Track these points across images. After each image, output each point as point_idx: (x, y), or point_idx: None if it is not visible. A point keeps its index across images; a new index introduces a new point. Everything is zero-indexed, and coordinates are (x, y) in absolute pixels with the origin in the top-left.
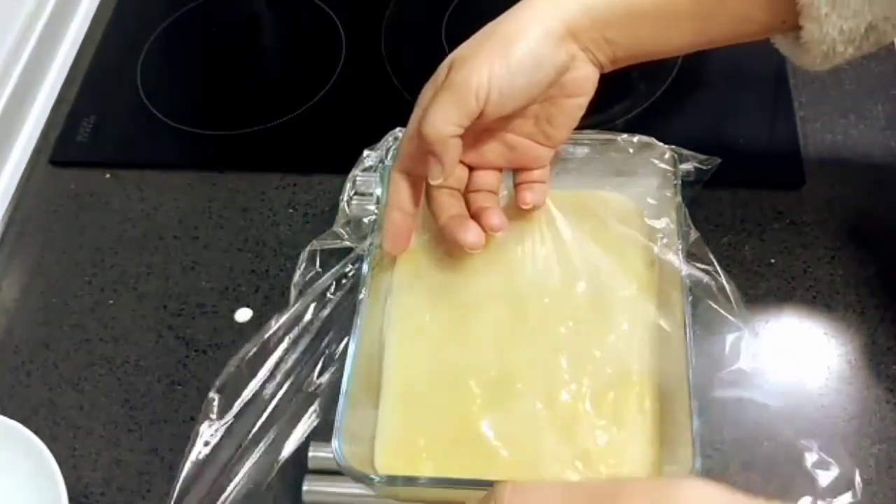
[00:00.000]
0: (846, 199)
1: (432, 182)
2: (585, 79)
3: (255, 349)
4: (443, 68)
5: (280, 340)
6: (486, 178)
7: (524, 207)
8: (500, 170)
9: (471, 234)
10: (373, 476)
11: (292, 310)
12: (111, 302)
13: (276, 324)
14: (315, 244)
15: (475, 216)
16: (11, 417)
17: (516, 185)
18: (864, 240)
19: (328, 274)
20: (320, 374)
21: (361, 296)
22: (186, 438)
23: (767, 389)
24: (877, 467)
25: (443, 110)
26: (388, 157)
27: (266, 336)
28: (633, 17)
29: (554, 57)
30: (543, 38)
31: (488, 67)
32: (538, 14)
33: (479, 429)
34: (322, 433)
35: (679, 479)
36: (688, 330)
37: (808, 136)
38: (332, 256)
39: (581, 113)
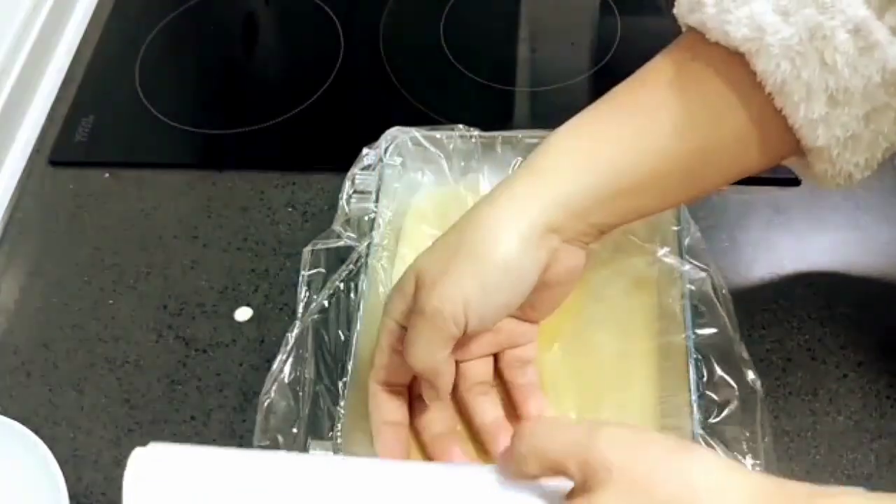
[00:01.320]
0: (845, 195)
1: (428, 402)
2: (572, 267)
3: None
4: (408, 280)
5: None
6: (475, 368)
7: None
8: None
9: (454, 458)
10: None
11: (299, 323)
12: (111, 302)
13: (293, 338)
14: (315, 244)
15: (470, 420)
16: (12, 417)
17: (507, 381)
18: (863, 236)
19: (334, 275)
20: (320, 372)
21: (362, 292)
22: (187, 438)
23: (767, 387)
24: (877, 463)
25: (425, 342)
26: (387, 155)
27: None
28: (617, 196)
29: (533, 263)
30: (519, 246)
31: (461, 293)
32: (507, 218)
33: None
34: (322, 431)
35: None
36: (688, 331)
37: None
38: (333, 255)
39: (567, 294)
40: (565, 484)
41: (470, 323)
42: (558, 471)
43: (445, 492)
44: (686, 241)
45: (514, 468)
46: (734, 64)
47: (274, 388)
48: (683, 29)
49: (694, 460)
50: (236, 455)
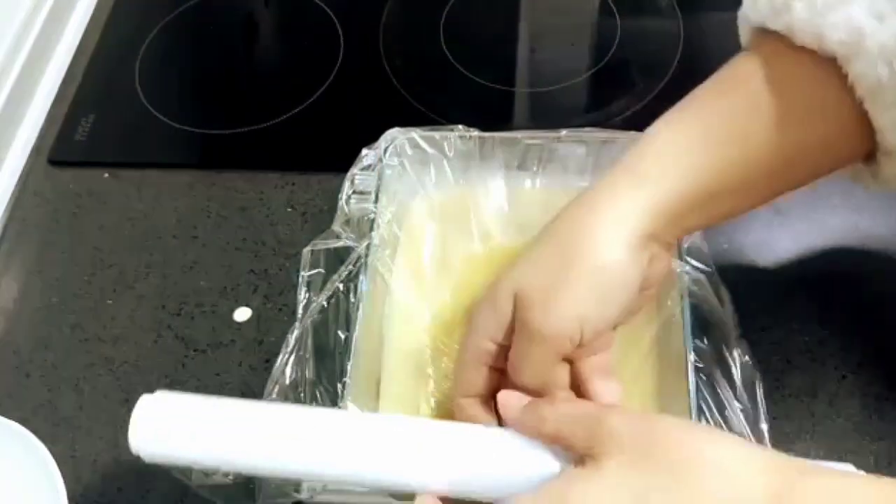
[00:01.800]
0: (844, 196)
1: None
2: (661, 270)
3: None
4: (504, 298)
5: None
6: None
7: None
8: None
9: None
10: None
11: (300, 321)
12: (110, 302)
13: (293, 339)
14: (315, 244)
15: None
16: (11, 418)
17: (588, 392)
18: (862, 237)
19: (333, 275)
20: (319, 373)
21: (361, 293)
22: None
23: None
24: (877, 464)
25: (538, 361)
26: (387, 156)
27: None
28: (710, 201)
29: (638, 271)
30: (628, 256)
31: (576, 310)
32: (613, 229)
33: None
34: None
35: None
36: (686, 331)
37: None
38: (333, 256)
39: (652, 298)
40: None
41: (584, 338)
42: (569, 438)
43: (456, 447)
44: (686, 244)
45: (534, 425)
46: (822, 67)
47: (276, 390)
48: (745, 33)
49: (700, 432)
50: (241, 403)
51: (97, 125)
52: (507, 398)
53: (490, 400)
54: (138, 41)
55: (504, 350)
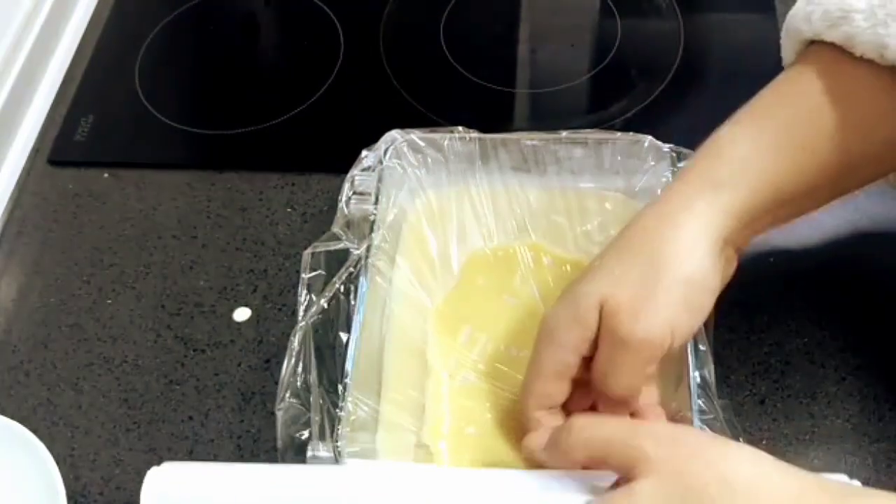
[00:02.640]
0: (843, 199)
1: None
2: (732, 270)
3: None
4: (588, 310)
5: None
6: None
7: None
8: None
9: None
10: None
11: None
12: (109, 301)
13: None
14: (315, 246)
15: None
16: (10, 417)
17: None
18: (862, 237)
19: (334, 277)
20: (320, 375)
21: (361, 294)
22: (185, 438)
23: (766, 390)
24: (875, 467)
25: (629, 370)
26: (387, 157)
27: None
28: (779, 206)
29: (720, 276)
30: (711, 263)
31: (668, 319)
32: (696, 237)
33: (480, 421)
34: (322, 435)
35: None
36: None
37: None
38: (333, 257)
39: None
40: (608, 478)
41: (674, 345)
42: (601, 462)
43: (488, 496)
44: None
45: (561, 457)
46: (883, 76)
47: (288, 394)
48: (791, 46)
49: (731, 453)
50: (249, 470)
51: (97, 125)
52: (528, 442)
53: (561, 410)
54: (138, 41)
55: (585, 362)
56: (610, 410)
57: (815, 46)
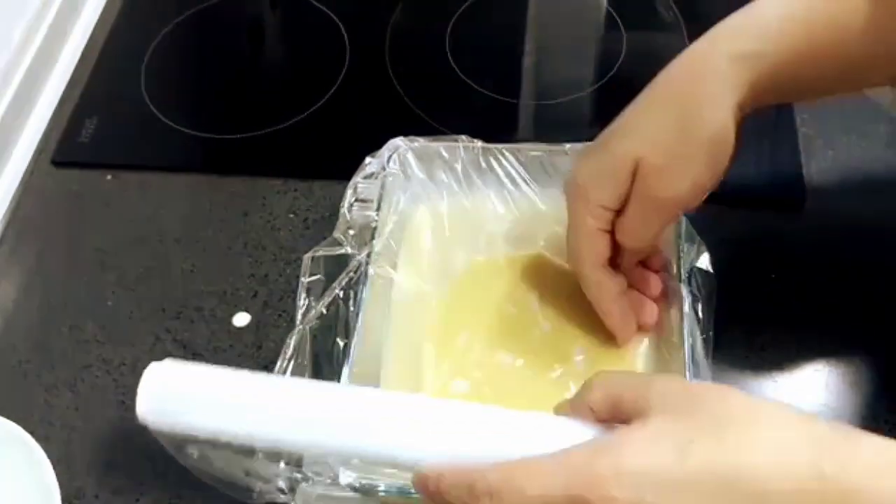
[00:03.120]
0: (847, 217)
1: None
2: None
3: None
4: (624, 167)
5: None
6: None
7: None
8: None
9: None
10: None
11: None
12: (110, 303)
13: (292, 344)
14: (316, 251)
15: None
16: (6, 417)
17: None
18: (864, 258)
19: (334, 282)
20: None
21: (361, 300)
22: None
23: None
24: None
25: (651, 224)
26: (390, 165)
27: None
28: (802, 68)
29: (734, 138)
30: (732, 127)
31: (692, 178)
32: (724, 99)
33: None
34: None
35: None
36: (686, 341)
37: (810, 153)
38: (334, 263)
39: None
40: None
41: (692, 204)
42: (616, 404)
43: (498, 431)
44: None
45: (579, 399)
46: None
47: None
48: None
49: (749, 396)
50: (249, 375)
51: (101, 127)
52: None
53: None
54: (144, 45)
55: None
56: (627, 261)
57: None
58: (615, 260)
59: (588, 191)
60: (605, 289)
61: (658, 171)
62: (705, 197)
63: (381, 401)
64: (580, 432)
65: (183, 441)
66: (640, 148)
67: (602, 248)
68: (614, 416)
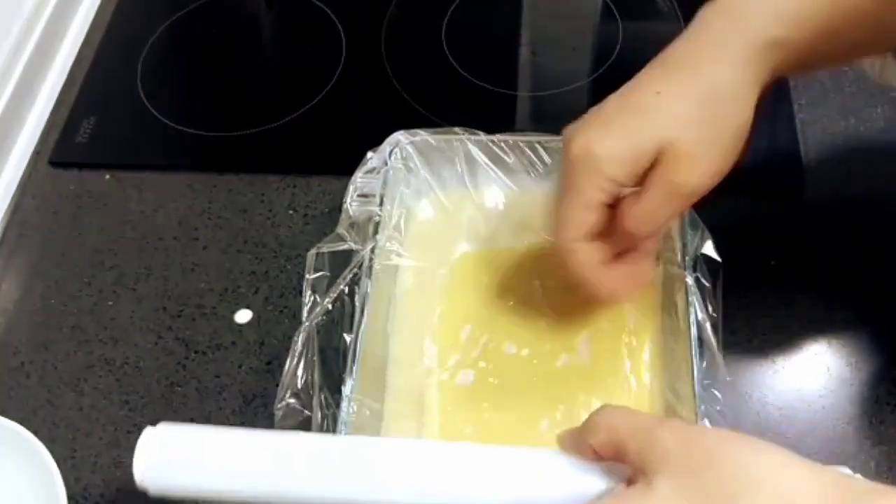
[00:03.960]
0: (846, 201)
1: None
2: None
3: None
4: (649, 147)
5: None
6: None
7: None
8: None
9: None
10: None
11: (305, 324)
12: (110, 303)
13: (300, 342)
14: (319, 247)
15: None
16: (10, 418)
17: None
18: (864, 243)
19: (338, 278)
20: (323, 377)
21: (365, 295)
22: None
23: (768, 391)
24: (877, 469)
25: (667, 211)
26: (392, 159)
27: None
28: (815, 47)
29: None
30: (752, 113)
31: (718, 171)
32: (748, 85)
33: (479, 420)
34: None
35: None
36: (692, 327)
37: (808, 138)
38: (337, 259)
39: None
40: (623, 470)
41: (706, 192)
42: (620, 451)
43: (506, 473)
44: (694, 249)
45: (582, 439)
46: None
47: (287, 394)
48: None
49: (749, 448)
50: (244, 434)
51: (99, 127)
52: (560, 440)
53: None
54: (140, 43)
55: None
56: (622, 241)
57: None
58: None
59: (603, 163)
60: (586, 258)
61: (688, 158)
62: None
63: (381, 450)
64: (584, 476)
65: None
66: (669, 132)
67: (597, 221)
68: (617, 458)
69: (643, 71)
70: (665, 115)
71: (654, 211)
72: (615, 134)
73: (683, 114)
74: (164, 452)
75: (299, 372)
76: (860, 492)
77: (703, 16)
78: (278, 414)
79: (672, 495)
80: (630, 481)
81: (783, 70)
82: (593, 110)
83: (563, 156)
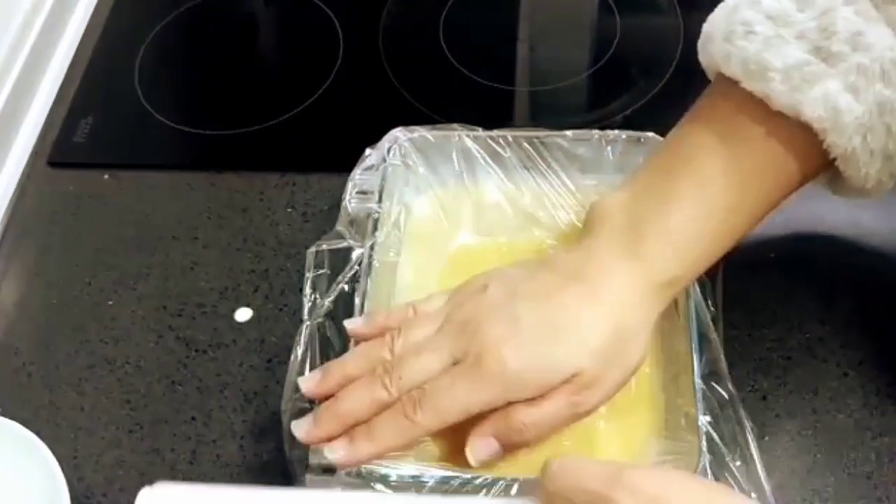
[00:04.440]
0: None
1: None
2: None
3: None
4: (563, 375)
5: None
6: None
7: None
8: None
9: None
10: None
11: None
12: (111, 303)
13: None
14: (319, 245)
15: None
16: (12, 419)
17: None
18: (863, 233)
19: (338, 276)
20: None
21: (365, 293)
22: (188, 439)
23: (768, 385)
24: (877, 461)
25: (554, 421)
26: (390, 156)
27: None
28: (699, 261)
29: None
30: (649, 341)
31: (613, 394)
32: (643, 316)
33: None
34: None
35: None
36: (692, 325)
37: None
38: (337, 256)
39: None
40: None
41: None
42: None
43: None
44: None
45: (540, 481)
46: (795, 127)
47: (295, 397)
48: (708, 61)
49: (722, 499)
50: (242, 493)
51: (97, 127)
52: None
53: None
54: (138, 42)
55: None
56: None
57: (729, 83)
58: None
59: (516, 384)
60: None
61: (595, 385)
62: None
63: None
64: None
65: None
66: (581, 362)
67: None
68: None
69: (557, 279)
70: (580, 346)
71: (549, 419)
72: (535, 363)
73: (595, 346)
74: None
75: (306, 369)
76: None
77: (609, 238)
78: (285, 415)
79: None
80: None
81: (680, 281)
82: (506, 313)
83: (478, 362)
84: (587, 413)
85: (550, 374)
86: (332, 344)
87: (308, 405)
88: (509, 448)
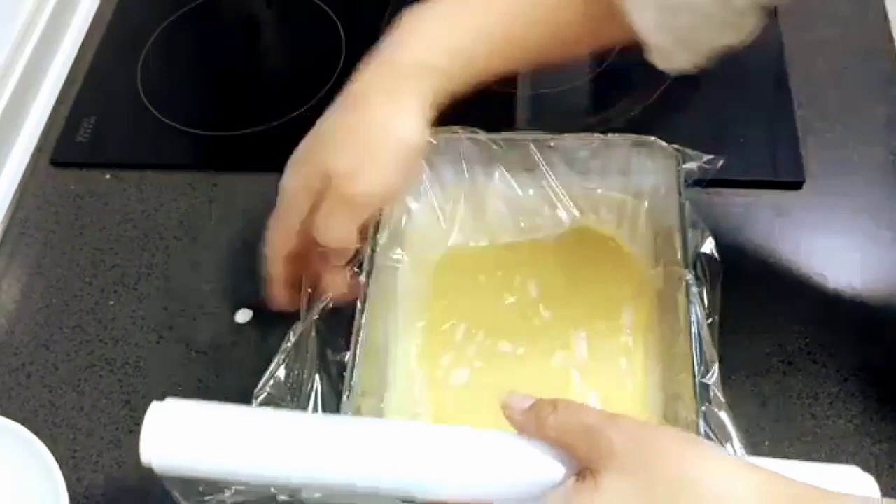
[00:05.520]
0: (845, 198)
1: (335, 264)
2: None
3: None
4: (315, 177)
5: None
6: None
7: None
8: None
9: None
10: None
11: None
12: (111, 303)
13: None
14: None
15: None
16: (12, 419)
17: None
18: (864, 238)
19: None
20: (321, 373)
21: (367, 292)
22: None
23: (768, 390)
24: (877, 467)
25: (342, 225)
26: None
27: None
28: (478, 70)
29: (425, 139)
30: (422, 129)
31: (382, 183)
32: (412, 112)
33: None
34: None
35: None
36: (692, 326)
37: (808, 135)
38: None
39: None
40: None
41: (385, 204)
42: (568, 447)
43: (460, 451)
44: (694, 248)
45: (537, 430)
46: None
47: (269, 385)
48: None
49: (699, 451)
50: (251, 412)
51: (99, 126)
52: (509, 400)
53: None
54: (140, 43)
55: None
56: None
57: None
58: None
59: (291, 199)
60: (277, 274)
61: (347, 175)
62: (399, 195)
63: (377, 432)
64: (540, 460)
65: (189, 486)
66: (328, 161)
67: (290, 240)
68: (568, 452)
69: (341, 100)
70: (327, 142)
71: (330, 220)
72: (294, 168)
73: (342, 138)
74: (170, 428)
75: (282, 369)
76: (807, 497)
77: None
78: (255, 400)
79: (617, 493)
80: (579, 476)
81: (457, 85)
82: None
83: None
84: (364, 205)
85: (307, 176)
86: (330, 343)
87: (278, 399)
88: None
